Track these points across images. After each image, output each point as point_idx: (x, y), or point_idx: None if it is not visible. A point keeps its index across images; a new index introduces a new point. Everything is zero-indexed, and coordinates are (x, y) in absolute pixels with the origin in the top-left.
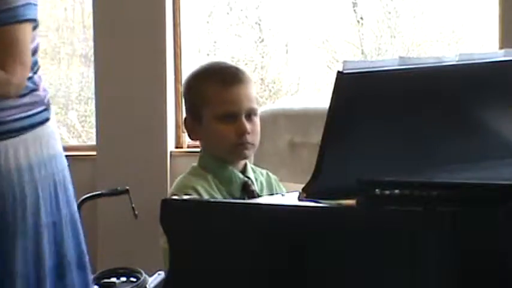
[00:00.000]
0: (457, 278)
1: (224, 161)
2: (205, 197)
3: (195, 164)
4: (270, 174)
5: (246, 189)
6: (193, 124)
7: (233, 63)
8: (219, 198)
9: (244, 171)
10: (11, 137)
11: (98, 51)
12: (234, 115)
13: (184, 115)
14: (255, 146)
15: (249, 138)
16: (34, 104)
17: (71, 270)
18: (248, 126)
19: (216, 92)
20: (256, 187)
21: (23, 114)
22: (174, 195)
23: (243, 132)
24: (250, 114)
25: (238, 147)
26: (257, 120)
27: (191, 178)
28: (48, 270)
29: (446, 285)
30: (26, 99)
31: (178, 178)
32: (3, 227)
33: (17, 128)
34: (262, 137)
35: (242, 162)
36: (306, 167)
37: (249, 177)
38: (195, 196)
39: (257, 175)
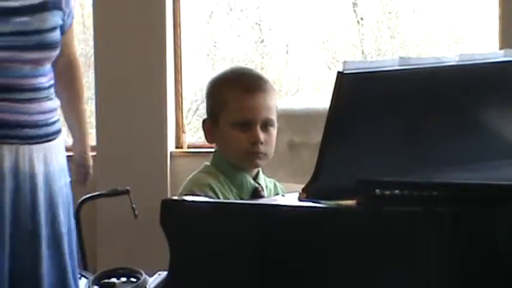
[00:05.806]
0: (456, 278)
1: (237, 166)
2: (220, 195)
3: (207, 162)
4: (277, 183)
5: (256, 195)
6: (210, 127)
7: (258, 72)
8: (231, 198)
9: (256, 177)
10: (53, 139)
11: (98, 51)
12: (250, 123)
13: (184, 116)
14: (268, 156)
15: (261, 148)
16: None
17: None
18: (262, 136)
19: (235, 98)
20: (266, 194)
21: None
22: (191, 192)
23: (255, 141)
24: (266, 124)
25: (250, 156)
26: (273, 131)
27: (206, 176)
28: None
29: (446, 286)
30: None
31: (192, 175)
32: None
33: (55, 131)
34: None
35: (255, 170)
36: (306, 167)
37: (259, 184)
38: (198, 196)
39: (266, 183)
